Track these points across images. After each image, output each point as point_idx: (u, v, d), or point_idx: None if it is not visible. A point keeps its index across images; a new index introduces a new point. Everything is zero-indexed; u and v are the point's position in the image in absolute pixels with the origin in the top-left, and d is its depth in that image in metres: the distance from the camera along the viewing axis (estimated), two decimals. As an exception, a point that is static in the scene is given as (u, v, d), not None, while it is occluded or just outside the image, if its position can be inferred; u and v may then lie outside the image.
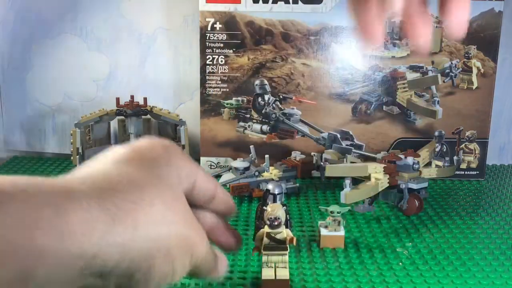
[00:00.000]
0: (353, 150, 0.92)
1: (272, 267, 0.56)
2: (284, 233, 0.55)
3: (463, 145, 0.98)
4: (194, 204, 0.45)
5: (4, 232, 0.30)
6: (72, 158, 0.98)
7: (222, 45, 0.95)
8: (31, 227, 0.31)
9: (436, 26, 0.94)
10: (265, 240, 0.55)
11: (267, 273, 0.56)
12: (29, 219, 0.31)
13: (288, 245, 0.56)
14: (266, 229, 0.54)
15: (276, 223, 0.54)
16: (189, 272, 0.42)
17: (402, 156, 0.81)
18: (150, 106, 1.00)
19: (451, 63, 0.95)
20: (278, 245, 0.55)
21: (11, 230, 0.30)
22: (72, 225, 0.32)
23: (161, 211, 0.38)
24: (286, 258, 0.57)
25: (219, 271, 0.46)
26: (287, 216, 0.68)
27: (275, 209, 0.55)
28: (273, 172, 0.90)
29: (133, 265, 0.36)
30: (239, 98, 0.97)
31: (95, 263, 0.34)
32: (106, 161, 0.39)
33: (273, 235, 0.55)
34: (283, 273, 0.57)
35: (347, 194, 0.74)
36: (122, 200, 0.36)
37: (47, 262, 0.32)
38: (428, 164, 0.88)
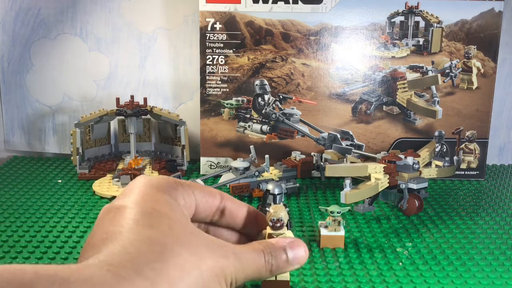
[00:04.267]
0: (353, 150, 0.93)
1: None
2: (287, 235, 0.55)
3: (463, 145, 0.98)
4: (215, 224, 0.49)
5: None
6: (72, 158, 0.98)
7: (222, 45, 0.95)
8: None
9: (436, 26, 0.94)
10: None
11: None
12: None
13: None
14: (268, 230, 0.54)
15: (278, 224, 0.54)
16: (243, 284, 0.44)
17: (402, 156, 0.81)
18: (150, 106, 1.00)
19: (451, 63, 0.95)
20: None
21: None
22: None
23: (184, 258, 0.39)
24: None
25: (286, 265, 0.47)
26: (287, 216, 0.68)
27: (278, 210, 0.54)
28: (273, 172, 0.90)
29: None
30: (239, 98, 0.97)
31: None
32: (114, 231, 0.39)
33: (275, 236, 0.54)
34: (284, 274, 0.56)
35: (347, 194, 0.74)
36: (152, 264, 0.37)
37: None
38: (428, 164, 0.88)
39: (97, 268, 0.35)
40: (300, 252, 0.48)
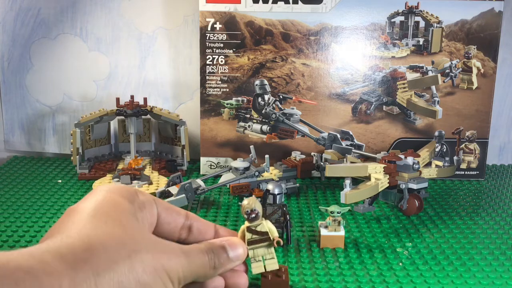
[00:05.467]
0: (353, 150, 0.93)
1: (261, 260, 0.56)
2: (264, 225, 0.55)
3: (463, 145, 0.98)
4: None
5: None
6: (72, 158, 0.98)
7: (222, 45, 0.95)
8: None
9: (436, 26, 0.94)
10: (247, 235, 0.54)
11: (256, 267, 0.55)
12: (10, 282, 0.34)
13: (271, 237, 0.55)
14: (246, 224, 0.54)
15: (253, 215, 0.54)
16: (186, 282, 0.45)
17: (402, 156, 0.81)
18: (150, 106, 1.00)
19: (451, 63, 0.95)
20: (261, 237, 0.55)
21: None
22: (41, 280, 0.35)
23: (116, 251, 0.40)
24: (272, 249, 0.56)
25: (227, 262, 0.49)
26: (287, 216, 0.68)
27: (250, 202, 0.54)
28: (273, 172, 0.90)
29: None
30: (239, 98, 0.97)
31: None
32: (60, 229, 0.42)
33: (253, 228, 0.54)
34: (272, 263, 0.56)
35: (347, 194, 0.74)
36: (82, 253, 0.39)
37: None
38: (428, 164, 0.88)
39: (19, 254, 0.37)
40: (239, 250, 0.51)
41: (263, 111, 0.97)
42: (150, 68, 1.06)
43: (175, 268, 0.44)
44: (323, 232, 0.70)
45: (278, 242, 0.55)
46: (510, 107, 1.07)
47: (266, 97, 0.97)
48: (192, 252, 0.46)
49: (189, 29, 1.04)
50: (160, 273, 0.42)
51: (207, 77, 0.96)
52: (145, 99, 0.98)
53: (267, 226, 0.55)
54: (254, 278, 0.62)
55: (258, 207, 0.54)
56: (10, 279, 0.34)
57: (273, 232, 0.55)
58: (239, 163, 0.89)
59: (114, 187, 0.47)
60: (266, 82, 0.96)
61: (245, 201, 0.55)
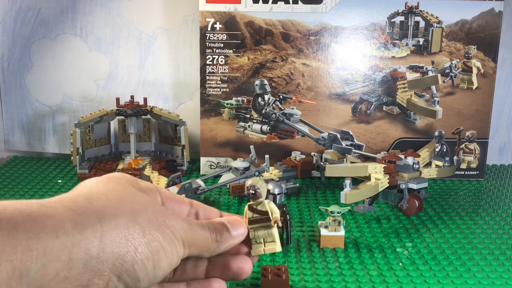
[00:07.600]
0: (353, 150, 0.92)
1: (261, 243, 0.55)
2: (266, 205, 0.54)
3: (463, 145, 0.98)
4: None
5: None
6: (72, 158, 0.98)
7: (222, 45, 0.95)
8: (13, 229, 0.34)
9: (436, 26, 0.94)
10: (248, 213, 0.54)
11: (256, 249, 0.54)
12: (8, 225, 0.34)
13: (271, 218, 0.55)
14: (249, 202, 0.54)
15: (252, 191, 0.54)
16: (191, 253, 0.45)
17: (402, 156, 0.81)
18: (150, 106, 1.00)
19: (451, 63, 0.95)
20: (261, 216, 0.54)
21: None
22: (42, 222, 0.35)
23: (119, 203, 0.41)
24: (273, 231, 0.55)
25: (229, 238, 0.49)
26: (287, 216, 0.68)
27: (253, 180, 0.54)
28: (273, 172, 0.90)
29: (117, 248, 0.38)
30: (239, 98, 0.97)
31: (78, 253, 0.36)
32: (72, 191, 0.44)
33: (254, 206, 0.54)
34: (271, 246, 0.55)
35: (347, 194, 0.74)
36: (83, 201, 0.40)
37: (33, 257, 0.34)
38: (428, 164, 0.88)
39: (17, 203, 0.37)
40: (239, 227, 0.51)
41: (263, 111, 0.97)
42: (150, 68, 1.06)
43: (178, 229, 0.44)
44: (323, 232, 0.70)
45: (277, 223, 0.54)
46: (510, 107, 1.07)
47: (266, 97, 0.97)
48: (193, 223, 0.47)
49: (189, 29, 1.04)
50: (166, 227, 0.42)
51: (207, 77, 0.96)
52: (145, 99, 0.98)
53: (269, 206, 0.55)
54: (254, 278, 0.62)
55: (260, 186, 0.54)
56: (8, 222, 0.34)
57: (274, 212, 0.55)
58: (239, 163, 0.89)
59: (114, 173, 0.48)
60: (266, 82, 0.96)
61: (249, 179, 0.55)
